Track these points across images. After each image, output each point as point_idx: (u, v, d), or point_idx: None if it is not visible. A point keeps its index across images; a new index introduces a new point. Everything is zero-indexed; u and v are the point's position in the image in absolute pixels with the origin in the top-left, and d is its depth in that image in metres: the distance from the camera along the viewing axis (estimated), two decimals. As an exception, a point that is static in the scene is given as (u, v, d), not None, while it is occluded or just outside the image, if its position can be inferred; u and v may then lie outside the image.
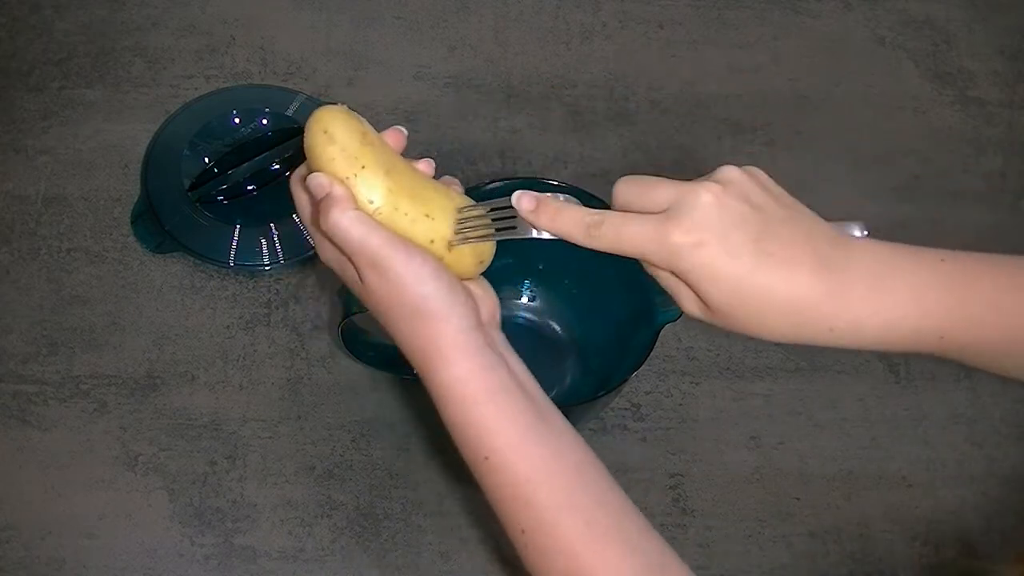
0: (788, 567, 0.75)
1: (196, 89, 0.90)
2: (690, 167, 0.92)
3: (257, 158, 0.84)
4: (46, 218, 0.84)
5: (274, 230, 0.83)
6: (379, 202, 0.53)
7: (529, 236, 0.53)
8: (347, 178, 0.53)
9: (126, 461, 0.74)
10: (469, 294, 0.53)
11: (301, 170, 0.55)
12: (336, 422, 0.77)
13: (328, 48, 0.94)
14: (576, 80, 0.95)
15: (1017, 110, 0.98)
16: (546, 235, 0.53)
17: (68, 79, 0.90)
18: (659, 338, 0.69)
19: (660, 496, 0.76)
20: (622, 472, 0.77)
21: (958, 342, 0.50)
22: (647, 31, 0.99)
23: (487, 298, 0.56)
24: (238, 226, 0.82)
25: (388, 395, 0.79)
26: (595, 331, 0.79)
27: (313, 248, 0.77)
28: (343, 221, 0.50)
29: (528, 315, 0.81)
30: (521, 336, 0.81)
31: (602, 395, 0.68)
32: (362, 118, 0.56)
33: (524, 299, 0.81)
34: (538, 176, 0.82)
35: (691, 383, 0.81)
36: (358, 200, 0.52)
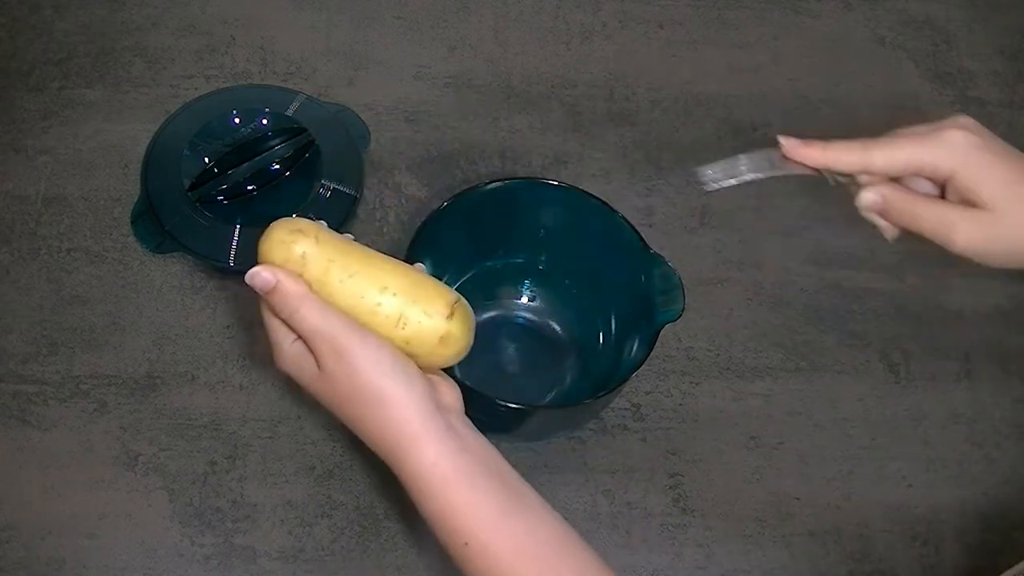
0: (788, 567, 0.75)
1: (196, 89, 0.90)
2: (690, 167, 0.92)
3: (257, 158, 0.84)
4: (46, 218, 0.84)
5: None
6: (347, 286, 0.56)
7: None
8: (319, 273, 0.56)
9: (126, 461, 0.74)
10: (427, 380, 0.54)
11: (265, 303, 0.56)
12: (336, 422, 0.77)
13: (328, 48, 0.94)
14: (576, 80, 0.95)
15: (1017, 110, 0.98)
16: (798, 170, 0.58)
17: (68, 79, 0.90)
18: (659, 338, 0.69)
19: (660, 496, 0.76)
20: (622, 472, 0.77)
21: None
22: (647, 31, 0.99)
23: (444, 383, 0.56)
24: (238, 226, 0.82)
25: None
26: (595, 331, 0.79)
27: None
28: (302, 307, 0.53)
29: (528, 315, 0.81)
30: (521, 336, 0.81)
31: (602, 395, 0.68)
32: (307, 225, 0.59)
33: (524, 299, 0.81)
34: (538, 177, 0.82)
35: (691, 383, 0.81)
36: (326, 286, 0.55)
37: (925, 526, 0.77)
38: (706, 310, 0.84)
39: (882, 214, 0.57)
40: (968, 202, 0.54)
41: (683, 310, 0.68)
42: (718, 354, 0.83)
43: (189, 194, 0.82)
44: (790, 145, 0.58)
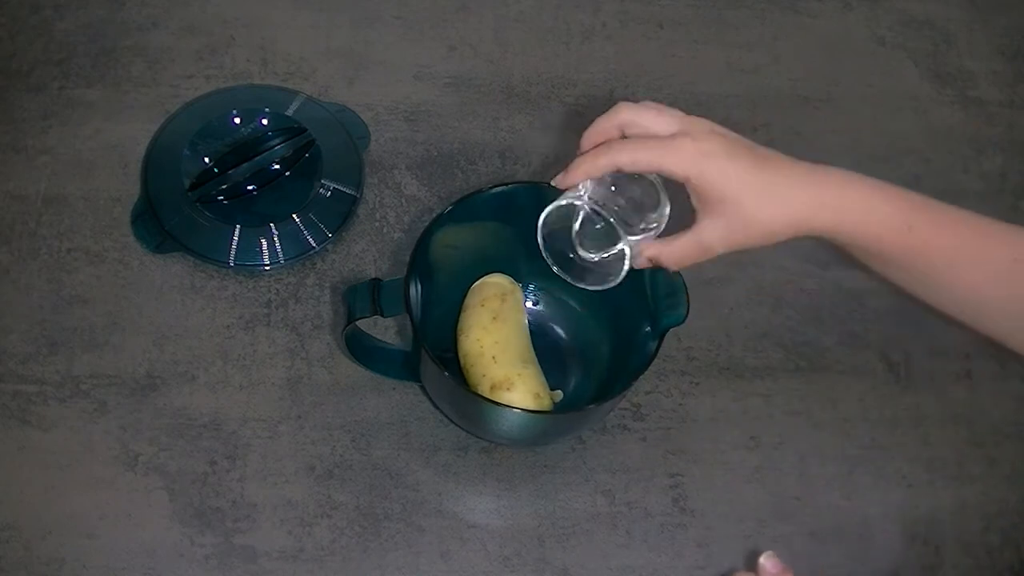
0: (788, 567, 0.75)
1: (196, 89, 0.90)
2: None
3: (257, 158, 0.84)
4: (46, 218, 0.84)
5: (274, 230, 0.82)
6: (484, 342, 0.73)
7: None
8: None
9: (126, 461, 0.74)
10: None
11: None
12: (336, 422, 0.77)
13: (328, 48, 0.94)
14: (576, 80, 0.95)
15: (1017, 110, 0.99)
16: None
17: (68, 79, 0.90)
18: (659, 338, 0.69)
19: (660, 496, 0.76)
20: (622, 472, 0.77)
21: (908, 241, 0.60)
22: (647, 31, 0.99)
23: None
24: (238, 226, 0.82)
25: (388, 395, 0.79)
26: (599, 335, 0.79)
27: (313, 247, 0.81)
28: None
29: (532, 319, 0.81)
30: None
31: (607, 400, 0.68)
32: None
33: (528, 303, 0.81)
34: (541, 181, 0.81)
35: (691, 383, 0.81)
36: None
37: (925, 526, 0.77)
38: (706, 310, 0.84)
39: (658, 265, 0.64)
40: (704, 201, 0.60)
41: (687, 314, 0.68)
42: (718, 354, 0.83)
43: (189, 194, 0.82)
44: (557, 182, 0.64)
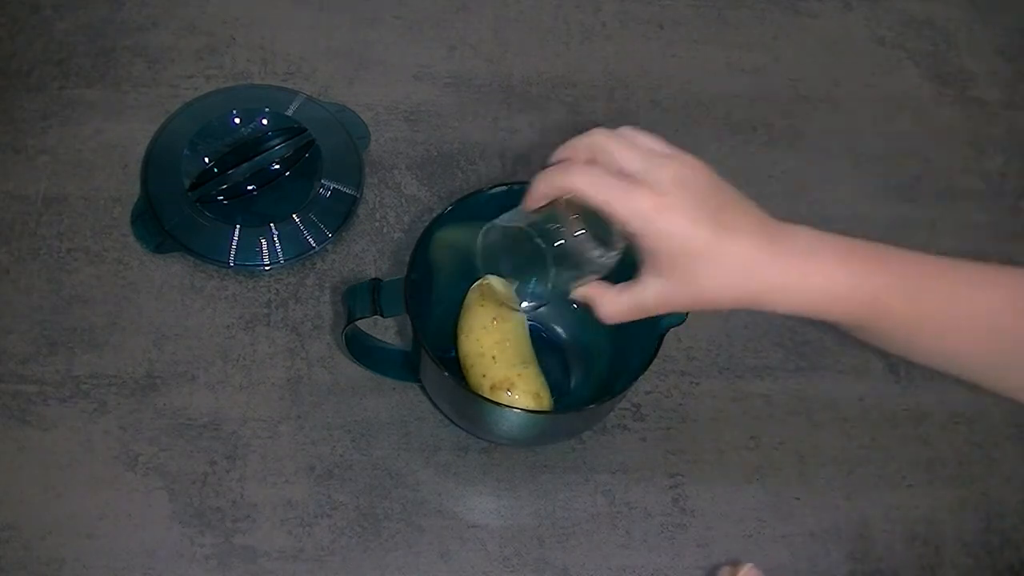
0: (788, 567, 0.75)
1: (196, 89, 0.90)
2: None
3: (257, 158, 0.84)
4: (46, 218, 0.84)
5: (274, 230, 0.82)
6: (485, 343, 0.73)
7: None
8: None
9: (126, 461, 0.74)
10: None
11: None
12: (336, 422, 0.77)
13: (328, 48, 0.94)
14: (576, 80, 0.95)
15: (1017, 110, 0.99)
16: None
17: (68, 79, 0.90)
18: (659, 338, 0.69)
19: (660, 496, 0.76)
20: (622, 472, 0.77)
21: (873, 313, 0.55)
22: (647, 31, 0.99)
23: None
24: (238, 226, 0.82)
25: (388, 395, 0.79)
26: (599, 335, 0.79)
27: (313, 247, 0.82)
28: None
29: (531, 320, 0.80)
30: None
31: (607, 400, 0.68)
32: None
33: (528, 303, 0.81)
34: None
35: (691, 383, 0.81)
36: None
37: (925, 526, 0.77)
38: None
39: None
40: (651, 257, 0.55)
41: (687, 315, 0.68)
42: (718, 354, 0.83)
43: (189, 194, 0.82)
44: (523, 204, 0.60)
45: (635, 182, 0.54)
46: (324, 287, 0.83)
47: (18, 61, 0.91)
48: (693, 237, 0.53)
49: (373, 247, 0.85)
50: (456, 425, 0.76)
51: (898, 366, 0.84)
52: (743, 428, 0.80)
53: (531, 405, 0.70)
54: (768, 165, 0.93)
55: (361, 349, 0.74)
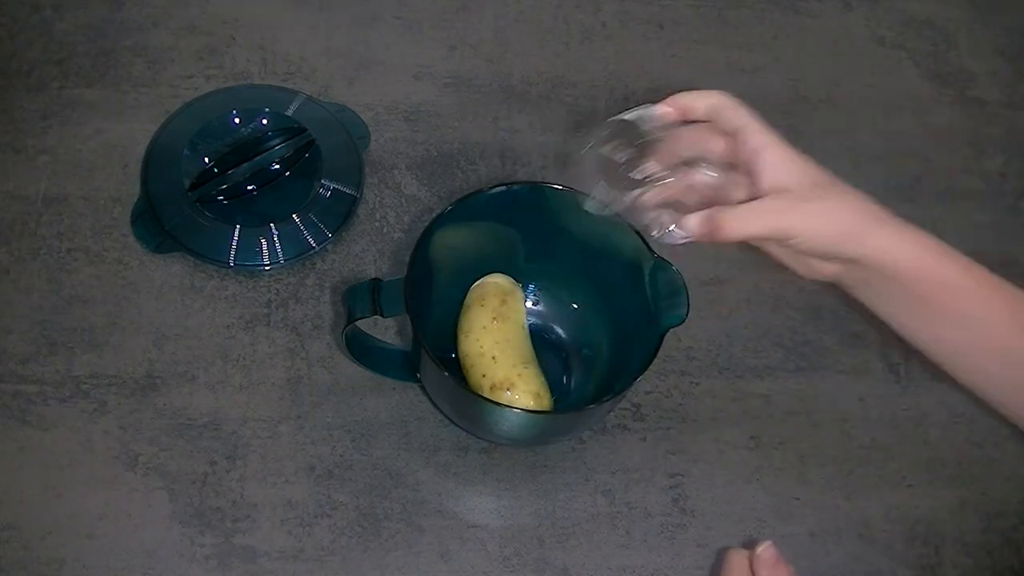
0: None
1: (196, 89, 0.90)
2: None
3: (257, 158, 0.84)
4: (46, 218, 0.84)
5: (274, 230, 0.83)
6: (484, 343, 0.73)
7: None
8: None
9: (126, 461, 0.74)
10: None
11: None
12: (336, 422, 0.77)
13: (328, 48, 0.94)
14: (576, 80, 0.95)
15: (1017, 110, 0.99)
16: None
17: (68, 79, 0.90)
18: (659, 338, 0.69)
19: (660, 496, 0.76)
20: (622, 472, 0.77)
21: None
22: (647, 31, 0.99)
23: None
24: (238, 226, 0.82)
25: (388, 395, 0.79)
26: (598, 335, 0.79)
27: (313, 247, 0.81)
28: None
29: (532, 319, 0.81)
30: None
31: (607, 400, 0.68)
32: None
33: (529, 303, 0.81)
34: (542, 181, 0.82)
35: (691, 383, 0.81)
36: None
37: (925, 526, 0.77)
38: (706, 310, 0.84)
39: (708, 237, 0.61)
40: (770, 186, 0.60)
41: (687, 315, 0.68)
42: (718, 354, 0.83)
43: (189, 194, 0.82)
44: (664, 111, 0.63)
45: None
46: (324, 287, 0.83)
47: (18, 61, 0.91)
48: (821, 172, 0.61)
49: (373, 247, 0.85)
50: (456, 425, 0.76)
51: (898, 366, 0.84)
52: (743, 428, 0.80)
53: (531, 405, 0.70)
54: (768, 165, 0.92)
55: (361, 349, 0.74)
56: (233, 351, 0.79)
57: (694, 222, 0.60)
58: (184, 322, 0.80)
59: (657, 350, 0.68)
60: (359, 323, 0.71)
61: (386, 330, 0.81)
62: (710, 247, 0.86)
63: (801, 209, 0.60)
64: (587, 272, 0.78)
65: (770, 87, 0.97)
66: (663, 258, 0.71)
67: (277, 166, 0.85)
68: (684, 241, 0.61)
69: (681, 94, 0.62)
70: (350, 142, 0.87)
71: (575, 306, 0.81)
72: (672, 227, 0.61)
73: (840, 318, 0.85)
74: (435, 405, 0.77)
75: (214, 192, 0.83)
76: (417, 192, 0.88)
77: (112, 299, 0.81)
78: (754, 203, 0.60)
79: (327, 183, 0.85)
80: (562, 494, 0.76)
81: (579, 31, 0.99)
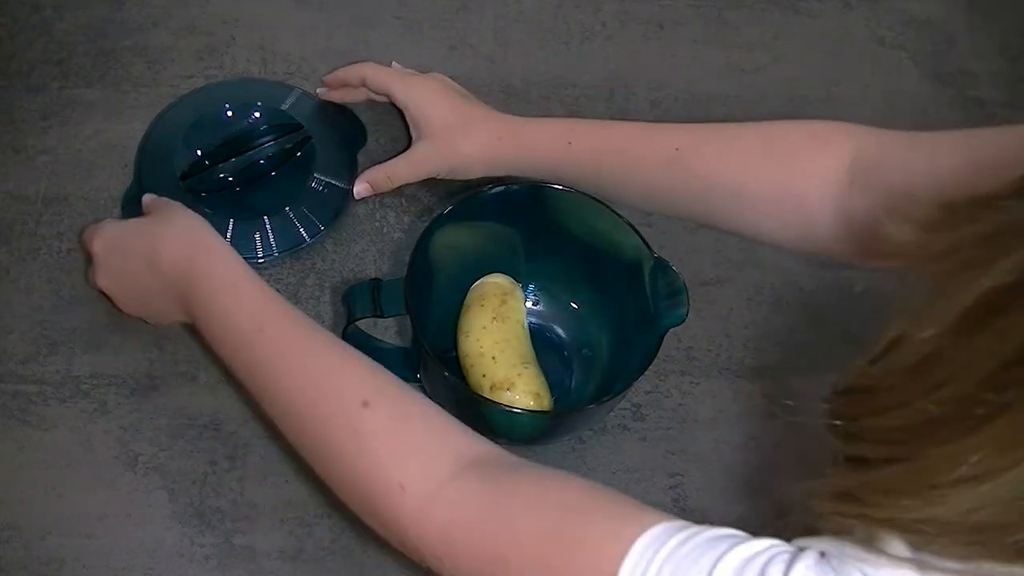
0: (788, 567, 0.74)
1: (196, 89, 0.90)
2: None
3: (249, 152, 0.84)
4: (46, 218, 0.84)
5: (267, 223, 0.83)
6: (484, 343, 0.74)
7: None
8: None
9: (126, 461, 0.74)
10: None
11: None
12: (336, 422, 0.77)
13: (328, 48, 0.94)
14: (576, 80, 0.95)
15: (1017, 110, 0.99)
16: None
17: (68, 79, 0.90)
18: (659, 338, 0.69)
19: (660, 496, 0.76)
20: (622, 472, 0.77)
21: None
22: (647, 31, 0.99)
23: None
24: (231, 220, 0.82)
25: (388, 395, 0.78)
26: (598, 335, 0.79)
27: (306, 240, 0.84)
28: None
29: (531, 319, 0.81)
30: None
31: (607, 400, 0.68)
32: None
33: (529, 303, 0.81)
34: (541, 181, 0.82)
35: (691, 383, 0.81)
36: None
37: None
38: (706, 310, 0.84)
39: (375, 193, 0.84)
40: (419, 127, 0.80)
41: (687, 314, 0.68)
42: (718, 354, 0.83)
43: (181, 184, 0.83)
44: (322, 94, 0.90)
45: (406, 74, 0.84)
46: (324, 287, 0.83)
47: (18, 61, 0.91)
48: (448, 108, 0.79)
49: (373, 247, 0.85)
50: (456, 425, 0.76)
51: (898, 366, 0.83)
52: (743, 428, 0.80)
53: (531, 405, 0.70)
54: (768, 165, 0.92)
55: (361, 349, 0.74)
56: (233, 351, 0.79)
57: (358, 186, 0.83)
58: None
59: (657, 350, 0.68)
60: (359, 323, 0.71)
61: (386, 330, 0.81)
62: (710, 249, 0.87)
63: (439, 153, 0.79)
64: (587, 272, 0.78)
65: (770, 87, 0.97)
66: (663, 258, 0.71)
67: (267, 161, 0.85)
68: (362, 197, 0.83)
69: (334, 72, 0.86)
70: (344, 137, 0.88)
71: (575, 306, 0.81)
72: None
73: (840, 318, 0.85)
74: (435, 405, 0.77)
75: (206, 184, 0.83)
76: (417, 192, 0.88)
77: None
78: (403, 155, 0.81)
79: (320, 177, 0.85)
80: (562, 494, 0.76)
81: (579, 31, 0.99)
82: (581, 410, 0.74)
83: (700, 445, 0.79)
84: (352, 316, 0.70)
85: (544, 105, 0.93)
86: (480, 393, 0.71)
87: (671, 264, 0.71)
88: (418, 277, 0.71)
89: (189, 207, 0.78)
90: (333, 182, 0.85)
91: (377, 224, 0.86)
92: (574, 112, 0.93)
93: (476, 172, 0.79)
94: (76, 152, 0.87)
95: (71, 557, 0.71)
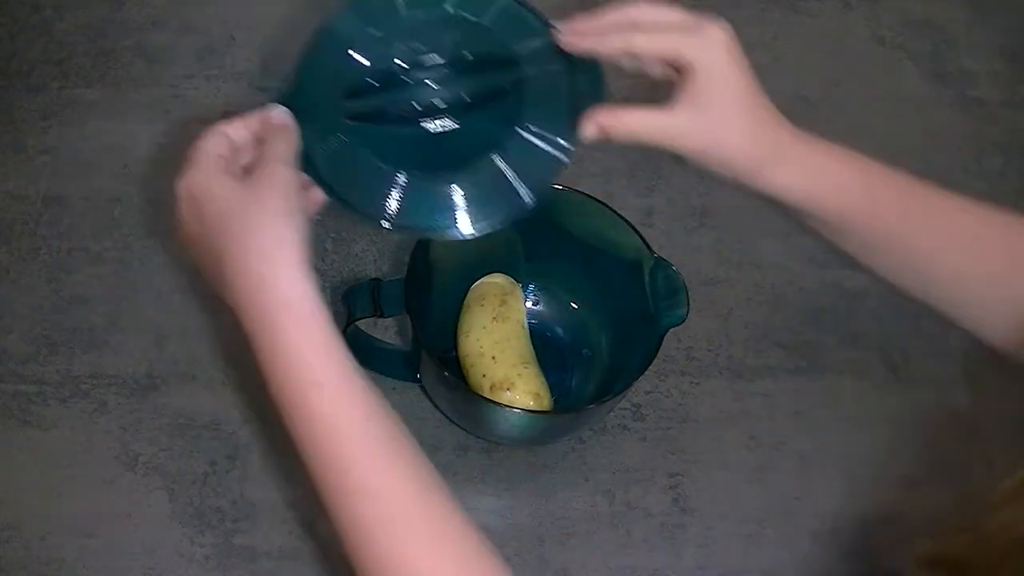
0: (788, 567, 0.75)
1: (196, 88, 0.90)
2: (690, 167, 0.92)
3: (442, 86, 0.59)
4: (46, 218, 0.84)
5: (456, 186, 0.57)
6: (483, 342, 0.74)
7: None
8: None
9: (126, 461, 0.74)
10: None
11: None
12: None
13: (328, 48, 0.94)
14: (576, 80, 0.95)
15: (1017, 110, 0.99)
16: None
17: (68, 79, 0.90)
18: (659, 338, 0.69)
19: (660, 496, 0.76)
20: (622, 472, 0.77)
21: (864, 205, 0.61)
22: (647, 31, 0.99)
23: None
24: (403, 174, 0.57)
25: (388, 395, 0.78)
26: (599, 335, 0.79)
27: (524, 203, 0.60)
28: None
29: (531, 319, 0.81)
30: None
31: (607, 400, 0.68)
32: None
33: (529, 303, 0.81)
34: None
35: (691, 383, 0.81)
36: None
37: (925, 526, 0.77)
38: (706, 310, 0.84)
39: (605, 139, 0.59)
40: (693, 94, 0.58)
41: (687, 314, 0.68)
42: (718, 354, 0.83)
43: (345, 104, 0.59)
44: (563, 40, 0.59)
45: (702, 24, 0.58)
46: (324, 287, 0.82)
47: (18, 61, 0.91)
48: (741, 88, 0.59)
49: (373, 247, 0.85)
50: (456, 425, 0.76)
51: (898, 366, 0.84)
52: (743, 428, 0.80)
53: (531, 405, 0.70)
54: (768, 165, 0.92)
55: (361, 349, 0.74)
56: (233, 351, 0.79)
57: (588, 128, 0.58)
58: (184, 322, 0.80)
59: (657, 350, 0.68)
60: (359, 323, 0.71)
61: (386, 330, 0.81)
62: (710, 249, 0.87)
63: (702, 135, 0.58)
64: (587, 272, 0.78)
65: (770, 87, 0.97)
66: (663, 258, 0.71)
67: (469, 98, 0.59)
68: (589, 142, 0.58)
69: (586, 18, 0.59)
70: (571, 88, 0.60)
71: (575, 306, 0.81)
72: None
73: (840, 318, 0.85)
74: (435, 405, 0.77)
75: (373, 115, 0.59)
76: (417, 192, 0.88)
77: (112, 299, 0.81)
78: (657, 112, 0.58)
79: (533, 128, 0.58)
80: (562, 494, 0.76)
81: (579, 31, 0.98)
82: (581, 410, 0.74)
83: (700, 445, 0.79)
84: (352, 316, 0.70)
85: (544, 105, 0.93)
86: (480, 393, 0.71)
87: (671, 264, 0.71)
88: (418, 277, 0.71)
89: (349, 144, 0.58)
90: (543, 142, 0.58)
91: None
92: (574, 112, 0.93)
93: (728, 170, 0.59)
94: (76, 152, 0.87)
95: (71, 557, 0.71)
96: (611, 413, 0.79)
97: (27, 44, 0.92)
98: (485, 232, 0.57)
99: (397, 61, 0.60)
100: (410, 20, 0.61)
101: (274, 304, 0.52)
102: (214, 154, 0.54)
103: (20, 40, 0.92)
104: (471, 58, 0.60)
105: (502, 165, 0.58)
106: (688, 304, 0.69)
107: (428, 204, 0.57)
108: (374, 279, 0.71)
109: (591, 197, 0.74)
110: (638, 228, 0.73)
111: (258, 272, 0.52)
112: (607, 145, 0.94)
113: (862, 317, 0.86)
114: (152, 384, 0.78)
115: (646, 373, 0.67)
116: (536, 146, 0.58)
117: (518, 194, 0.58)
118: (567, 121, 0.58)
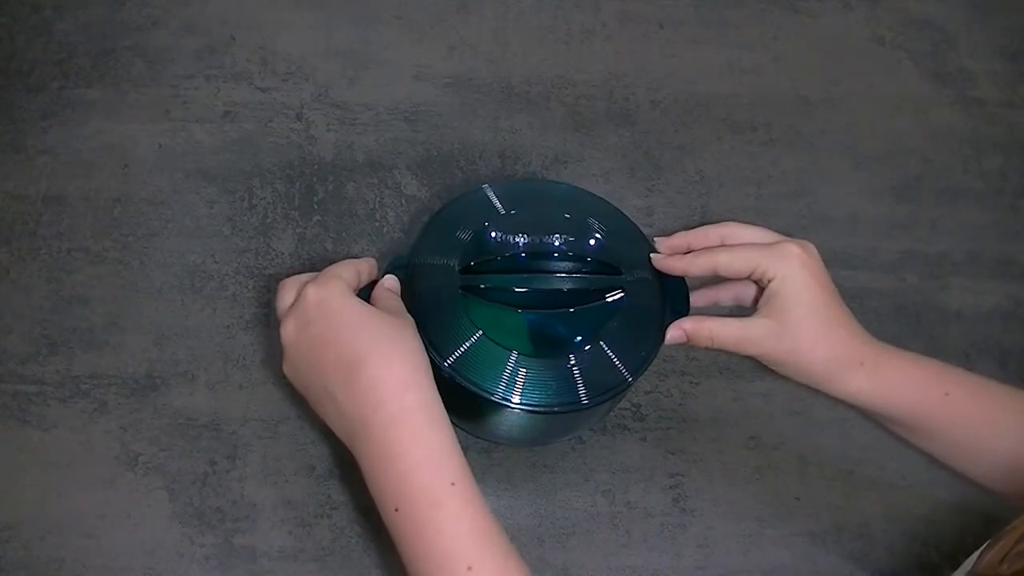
0: (788, 567, 0.75)
1: (196, 89, 0.90)
2: (690, 167, 0.92)
3: (548, 274, 0.71)
4: (46, 218, 0.84)
5: (572, 360, 0.67)
6: None
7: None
8: None
9: (126, 461, 0.74)
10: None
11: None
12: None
13: (328, 48, 0.94)
14: (576, 80, 0.95)
15: (1017, 110, 0.99)
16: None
17: (68, 79, 0.90)
18: (659, 338, 0.69)
19: (660, 496, 0.76)
20: (622, 472, 0.77)
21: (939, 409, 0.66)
22: (647, 31, 0.99)
23: None
24: (515, 353, 0.67)
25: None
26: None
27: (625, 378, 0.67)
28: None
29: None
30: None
31: (607, 399, 0.68)
32: None
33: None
34: (538, 176, 0.82)
35: (691, 383, 0.81)
36: None
37: (925, 526, 0.77)
38: (706, 310, 0.84)
39: (686, 343, 0.67)
40: (772, 305, 0.65)
41: (687, 314, 0.68)
42: (718, 354, 0.83)
43: (460, 275, 0.68)
44: (656, 260, 0.69)
45: (779, 241, 0.65)
46: (324, 287, 0.83)
47: (18, 61, 0.91)
48: (819, 295, 0.64)
49: (373, 247, 0.85)
50: (456, 425, 0.76)
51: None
52: (743, 428, 0.80)
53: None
54: (768, 165, 0.93)
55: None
56: (233, 351, 0.79)
57: (673, 331, 0.67)
58: (184, 322, 0.80)
59: (658, 349, 0.68)
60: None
61: (386, 330, 0.81)
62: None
63: (780, 344, 0.65)
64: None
65: (770, 87, 0.97)
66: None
67: (569, 294, 0.70)
68: (672, 344, 0.67)
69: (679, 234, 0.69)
70: (658, 301, 0.70)
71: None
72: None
73: (840, 318, 0.85)
74: (435, 405, 0.77)
75: (487, 288, 0.68)
76: (417, 192, 0.88)
77: (112, 299, 0.81)
78: (738, 322, 0.66)
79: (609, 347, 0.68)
80: (562, 494, 0.76)
81: (579, 31, 0.99)
82: (581, 410, 0.74)
83: (700, 445, 0.79)
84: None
85: (544, 105, 0.93)
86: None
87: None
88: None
89: (461, 309, 0.66)
90: (616, 358, 0.67)
91: (377, 224, 0.86)
92: (574, 111, 0.93)
93: (804, 377, 0.66)
94: (76, 152, 0.87)
95: (71, 557, 0.71)
96: (611, 413, 0.79)
97: (27, 44, 0.92)
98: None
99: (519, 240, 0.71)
100: (537, 214, 0.72)
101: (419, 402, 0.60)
102: (346, 277, 0.63)
103: (20, 40, 0.92)
104: (581, 256, 0.71)
105: (574, 367, 0.67)
106: (689, 303, 0.69)
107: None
108: (374, 280, 0.71)
109: (591, 194, 0.74)
110: (638, 228, 0.73)
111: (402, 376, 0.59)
112: (607, 145, 0.94)
113: (862, 317, 0.85)
114: (152, 384, 0.78)
115: (647, 373, 0.67)
116: (610, 360, 0.68)
117: (578, 393, 0.66)
118: (641, 352, 0.68)
